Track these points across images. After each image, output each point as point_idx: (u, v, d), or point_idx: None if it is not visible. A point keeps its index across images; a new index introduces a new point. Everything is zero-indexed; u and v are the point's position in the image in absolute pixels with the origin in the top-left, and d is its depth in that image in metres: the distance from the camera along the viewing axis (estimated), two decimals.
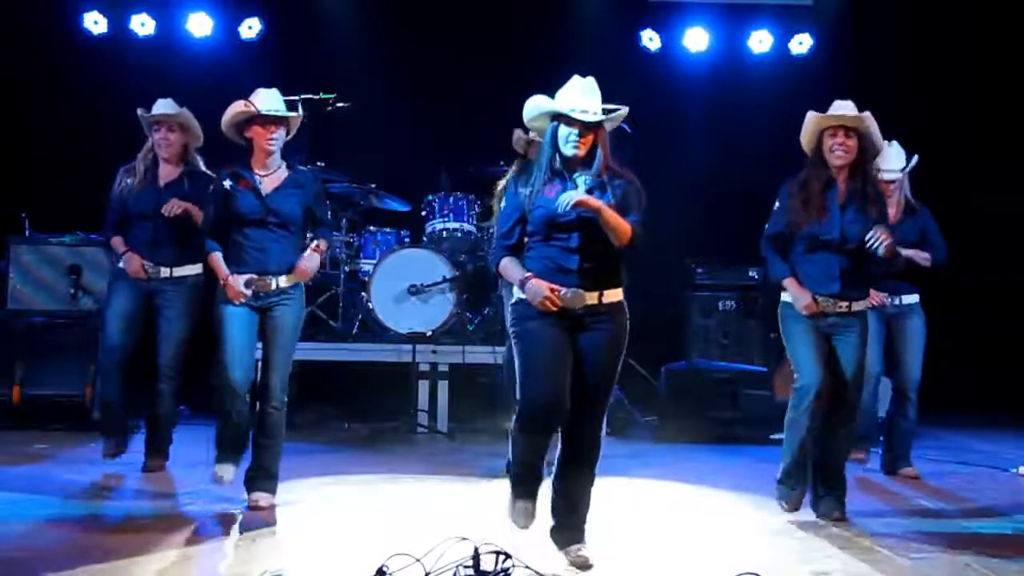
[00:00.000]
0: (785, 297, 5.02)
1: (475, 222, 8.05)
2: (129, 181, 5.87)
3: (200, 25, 9.42)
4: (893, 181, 6.03)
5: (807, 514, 4.96)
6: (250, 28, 9.46)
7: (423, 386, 7.49)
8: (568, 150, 4.05)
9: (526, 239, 4.12)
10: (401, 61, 9.14)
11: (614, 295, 4.08)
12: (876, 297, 5.95)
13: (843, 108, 4.92)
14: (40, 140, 8.98)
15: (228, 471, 5.01)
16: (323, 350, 7.67)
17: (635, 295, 9.21)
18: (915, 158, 6.12)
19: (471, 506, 5.00)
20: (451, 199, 7.97)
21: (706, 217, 8.85)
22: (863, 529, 4.68)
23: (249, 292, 4.92)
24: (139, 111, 5.88)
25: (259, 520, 4.66)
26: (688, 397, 7.46)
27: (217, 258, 5.01)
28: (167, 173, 5.88)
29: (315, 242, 5.21)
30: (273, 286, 4.97)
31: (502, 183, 4.18)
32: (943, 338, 9.02)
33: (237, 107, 5.05)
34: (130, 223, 5.85)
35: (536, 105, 4.12)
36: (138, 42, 9.41)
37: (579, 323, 4.02)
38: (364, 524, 4.62)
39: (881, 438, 6.44)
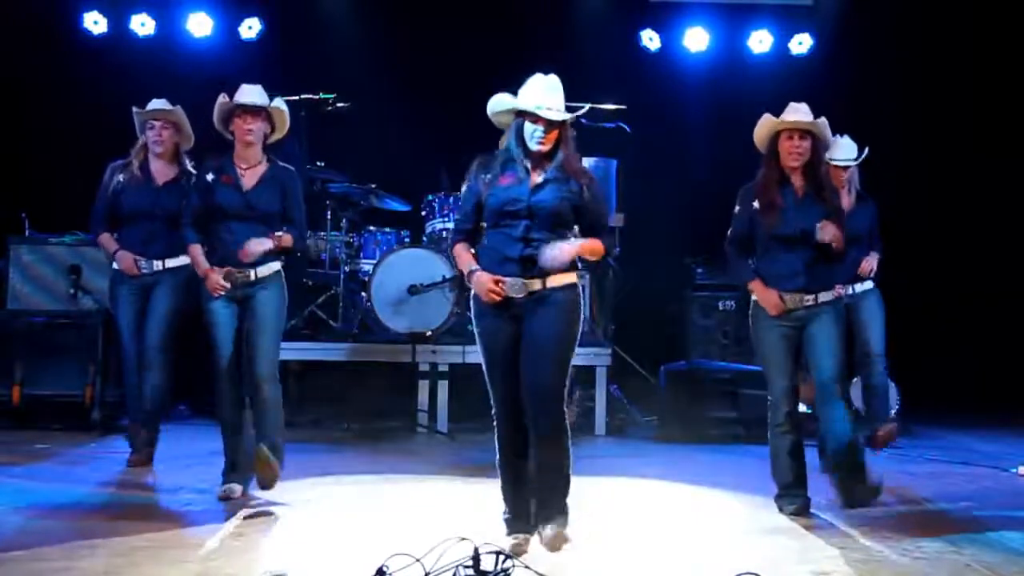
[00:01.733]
0: (754, 298, 5.10)
1: None
2: (121, 178, 5.91)
3: (200, 25, 9.43)
4: (847, 168, 6.18)
5: (807, 515, 4.96)
6: (250, 28, 9.47)
7: (423, 386, 7.48)
8: (533, 145, 4.21)
9: (483, 225, 4.29)
10: (401, 61, 9.14)
11: (559, 279, 4.18)
12: (838, 291, 6.03)
13: (799, 112, 5.06)
14: (40, 140, 8.98)
15: (236, 491, 5.10)
16: (323, 350, 7.67)
17: (635, 295, 9.22)
18: (866, 150, 6.19)
19: (471, 506, 5.00)
20: (451, 199, 7.97)
21: (706, 217, 8.82)
22: (863, 529, 4.68)
23: (228, 285, 5.08)
24: (134, 109, 5.93)
25: (259, 517, 4.67)
26: (688, 397, 7.46)
27: (197, 250, 5.18)
28: (162, 171, 5.94)
29: (279, 232, 5.17)
30: (252, 277, 5.11)
31: (473, 167, 4.34)
32: (944, 338, 9.08)
33: (219, 100, 5.19)
34: (122, 221, 5.91)
35: (500, 101, 4.26)
36: (138, 42, 9.42)
37: (526, 307, 4.18)
38: (364, 524, 4.62)
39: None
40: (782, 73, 9.54)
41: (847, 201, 6.16)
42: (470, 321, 7.67)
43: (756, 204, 5.06)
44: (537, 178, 4.21)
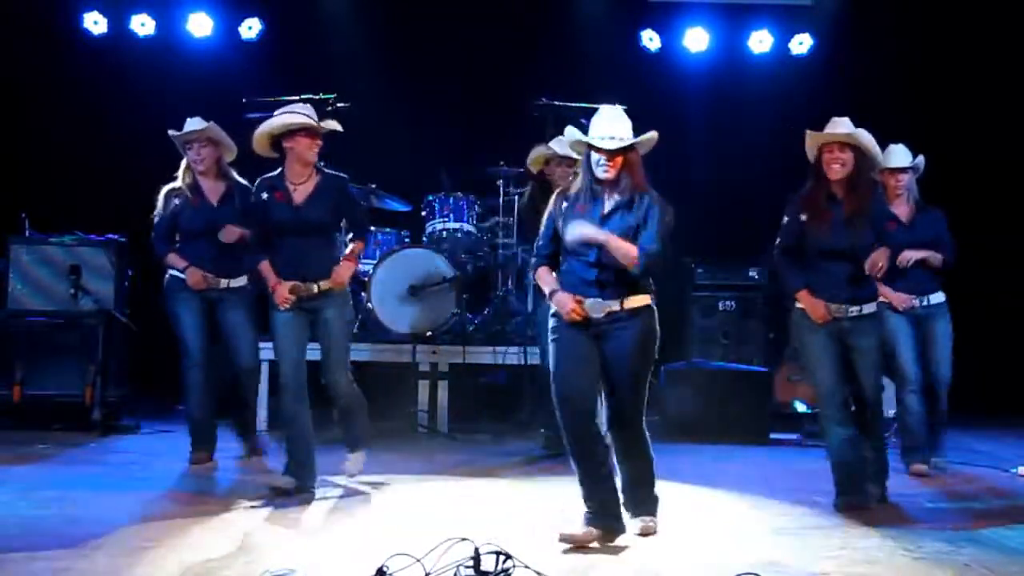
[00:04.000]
0: (799, 306, 5.20)
1: (475, 222, 8.04)
2: (177, 201, 6.03)
3: (200, 25, 9.43)
4: (902, 173, 6.16)
5: (807, 514, 4.97)
6: (250, 28, 9.48)
7: (423, 386, 7.49)
8: (600, 173, 4.42)
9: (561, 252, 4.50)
10: (401, 61, 9.15)
11: (636, 301, 4.38)
12: (906, 301, 6.14)
13: (837, 125, 5.13)
14: (40, 140, 8.99)
15: (289, 482, 5.22)
16: None
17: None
18: (920, 157, 6.21)
19: (471, 506, 5.00)
20: (451, 199, 7.97)
21: (706, 217, 8.86)
22: (863, 529, 4.68)
23: (293, 298, 5.29)
24: (171, 132, 6.04)
25: (259, 517, 4.67)
26: (688, 397, 7.46)
27: (266, 266, 5.37)
28: (212, 189, 6.07)
29: (349, 247, 5.55)
30: (314, 290, 5.32)
31: (554, 197, 4.51)
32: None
33: (287, 119, 5.29)
34: (184, 240, 6.04)
35: (568, 136, 4.55)
36: (138, 42, 9.42)
37: (604, 329, 4.37)
38: (364, 524, 4.63)
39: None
40: (782, 73, 9.55)
41: (905, 211, 6.21)
42: (471, 322, 7.81)
43: (804, 217, 5.14)
44: (607, 207, 4.41)
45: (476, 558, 3.61)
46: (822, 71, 9.42)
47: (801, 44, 9.71)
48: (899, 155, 6.20)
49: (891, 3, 9.28)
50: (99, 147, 8.73)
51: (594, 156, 4.41)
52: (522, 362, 7.33)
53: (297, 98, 5.82)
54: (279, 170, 5.40)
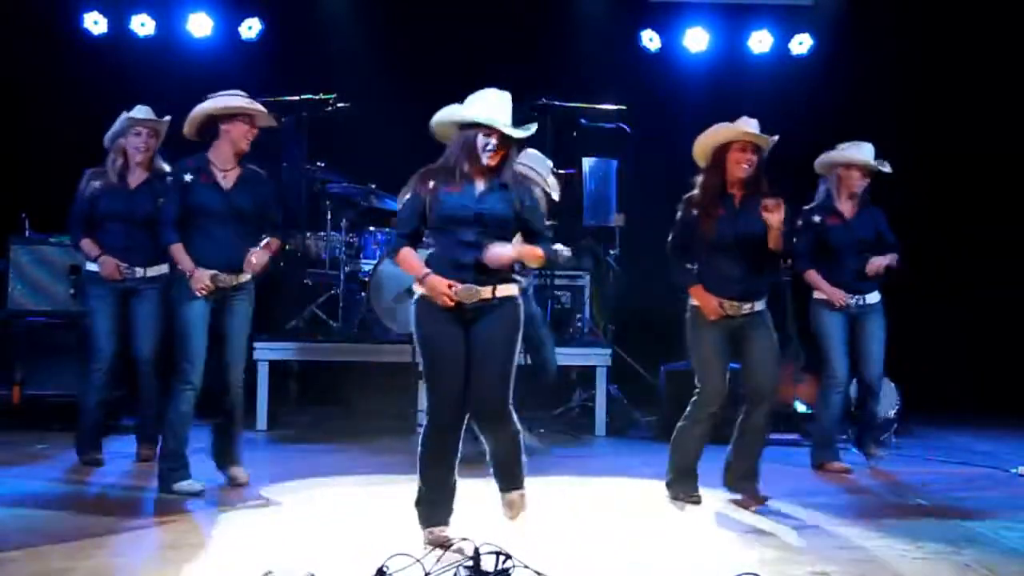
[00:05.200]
0: (693, 302, 5.21)
1: None
2: (97, 184, 5.94)
3: (200, 25, 9.42)
4: (866, 172, 6.17)
5: (806, 514, 4.97)
6: (250, 28, 9.47)
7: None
8: (485, 158, 4.25)
9: (425, 231, 4.36)
10: (401, 61, 9.14)
11: (507, 290, 4.28)
12: (842, 298, 6.16)
13: (754, 126, 5.17)
14: (40, 140, 8.97)
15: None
16: (323, 350, 7.67)
17: (635, 295, 9.21)
18: (886, 164, 6.22)
19: (471, 506, 4.99)
20: None
21: None
22: (862, 529, 4.69)
23: (212, 287, 5.11)
24: (124, 114, 5.93)
25: (259, 517, 4.67)
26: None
27: (179, 249, 5.18)
28: (136, 177, 5.95)
29: (266, 239, 5.33)
30: (235, 282, 5.20)
31: (412, 179, 4.39)
32: (944, 339, 9.08)
33: (236, 101, 5.24)
34: (99, 226, 5.91)
35: (450, 113, 4.35)
36: (138, 42, 9.41)
37: (474, 314, 4.24)
38: (364, 524, 4.63)
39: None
40: (782, 73, 9.54)
41: (849, 207, 6.21)
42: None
43: (695, 212, 5.19)
44: (481, 186, 4.27)
45: (476, 558, 3.61)
46: (822, 71, 9.41)
47: (801, 44, 9.70)
48: (869, 154, 6.17)
49: (891, 3, 9.27)
50: (99, 147, 8.68)
51: (480, 139, 4.22)
52: (521, 362, 7.32)
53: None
54: (200, 154, 5.28)
